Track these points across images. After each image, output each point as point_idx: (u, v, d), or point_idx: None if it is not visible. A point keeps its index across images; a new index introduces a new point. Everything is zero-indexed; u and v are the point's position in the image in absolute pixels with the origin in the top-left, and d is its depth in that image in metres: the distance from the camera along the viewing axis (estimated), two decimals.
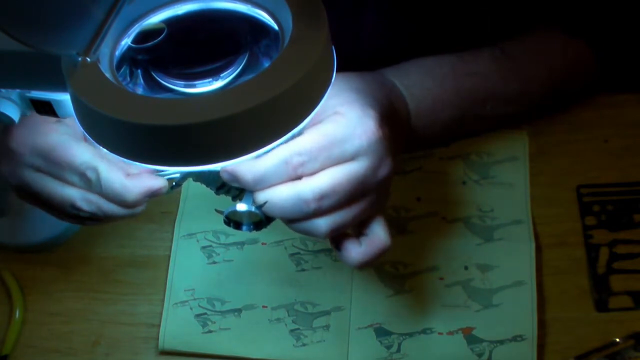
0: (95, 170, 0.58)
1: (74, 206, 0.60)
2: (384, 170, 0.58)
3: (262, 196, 0.55)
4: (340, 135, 0.56)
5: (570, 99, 0.88)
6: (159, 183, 0.58)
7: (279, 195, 0.55)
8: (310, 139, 0.55)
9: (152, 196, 0.59)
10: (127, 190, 0.58)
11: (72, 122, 0.56)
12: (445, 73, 0.75)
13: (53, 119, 0.57)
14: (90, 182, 0.59)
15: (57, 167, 0.60)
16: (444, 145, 0.86)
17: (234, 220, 0.58)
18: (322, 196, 0.55)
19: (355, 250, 0.61)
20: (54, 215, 0.64)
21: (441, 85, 0.74)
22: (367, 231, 0.62)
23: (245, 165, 0.55)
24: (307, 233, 0.59)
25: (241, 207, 0.56)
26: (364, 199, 0.59)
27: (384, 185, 0.60)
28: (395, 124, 0.64)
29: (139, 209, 0.60)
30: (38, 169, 0.61)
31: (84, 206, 0.60)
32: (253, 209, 0.56)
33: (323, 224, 0.57)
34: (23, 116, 0.55)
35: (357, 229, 0.62)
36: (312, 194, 0.55)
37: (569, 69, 0.82)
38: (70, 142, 0.59)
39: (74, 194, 0.60)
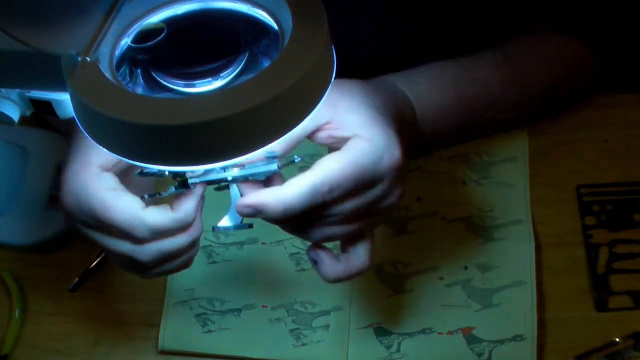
0: (141, 226, 0.58)
1: (134, 260, 0.60)
2: (393, 198, 0.60)
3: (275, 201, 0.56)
4: (370, 167, 0.57)
5: (571, 100, 0.88)
6: (200, 190, 0.59)
7: (292, 196, 0.56)
8: (341, 169, 0.56)
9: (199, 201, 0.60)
10: (188, 214, 0.58)
11: (110, 165, 0.59)
12: (449, 83, 0.76)
13: (95, 164, 0.59)
14: (140, 239, 0.59)
15: (105, 227, 0.60)
16: (443, 149, 0.86)
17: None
18: (330, 188, 0.56)
19: (333, 267, 0.61)
20: (119, 264, 0.64)
21: (445, 95, 0.75)
22: (351, 250, 0.62)
23: (272, 196, 0.55)
24: (299, 236, 0.61)
25: (224, 223, 0.59)
26: (364, 220, 0.60)
27: (387, 211, 0.61)
28: (405, 135, 0.64)
29: (196, 228, 0.60)
30: (91, 227, 0.61)
31: (143, 258, 0.60)
32: (239, 222, 0.58)
33: (319, 234, 0.59)
34: (71, 153, 0.56)
35: (343, 244, 0.63)
36: (322, 184, 0.56)
37: (570, 70, 0.83)
38: (109, 199, 0.59)
39: (129, 249, 0.60)
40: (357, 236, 0.61)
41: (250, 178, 0.57)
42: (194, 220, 0.59)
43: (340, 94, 0.59)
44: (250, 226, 0.59)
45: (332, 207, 0.57)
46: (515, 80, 0.79)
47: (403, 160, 0.59)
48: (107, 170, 0.61)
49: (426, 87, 0.74)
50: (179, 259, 0.62)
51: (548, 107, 0.86)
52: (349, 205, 0.57)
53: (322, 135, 0.59)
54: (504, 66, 0.78)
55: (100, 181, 0.60)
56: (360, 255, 0.61)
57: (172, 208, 0.59)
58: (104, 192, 0.59)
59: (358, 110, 0.59)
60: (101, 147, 0.48)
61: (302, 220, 0.58)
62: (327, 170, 0.55)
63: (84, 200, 0.60)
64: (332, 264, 0.61)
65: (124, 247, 0.60)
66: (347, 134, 0.58)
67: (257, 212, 0.56)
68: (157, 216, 0.58)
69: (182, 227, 0.59)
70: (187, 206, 0.58)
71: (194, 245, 0.62)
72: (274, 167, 0.56)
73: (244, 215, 0.58)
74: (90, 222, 0.60)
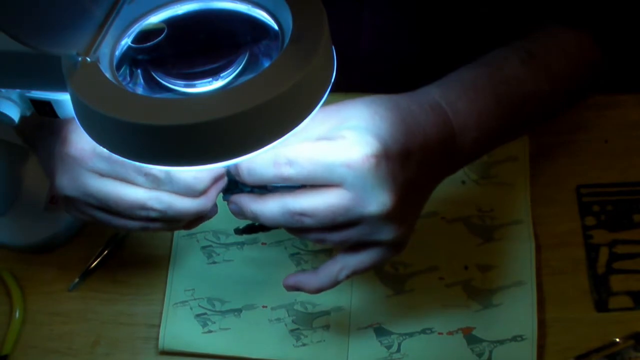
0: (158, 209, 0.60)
1: (144, 207, 0.60)
2: (373, 206, 0.57)
3: (253, 206, 0.59)
4: (331, 157, 0.56)
5: (582, 98, 0.87)
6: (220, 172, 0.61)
7: (267, 206, 0.58)
8: (304, 148, 0.56)
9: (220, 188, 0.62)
10: (198, 179, 0.60)
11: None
12: (483, 84, 0.71)
13: (87, 150, 0.59)
14: (158, 180, 0.59)
15: (122, 168, 0.60)
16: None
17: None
18: (302, 213, 0.57)
19: (310, 281, 0.64)
20: (117, 224, 0.63)
21: (482, 97, 0.70)
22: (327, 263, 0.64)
23: (242, 163, 0.57)
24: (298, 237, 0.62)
25: None
26: (350, 229, 0.59)
27: (378, 223, 0.58)
28: (426, 156, 0.61)
29: (211, 206, 0.62)
30: (102, 174, 0.60)
31: (155, 205, 0.60)
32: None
33: (311, 237, 0.61)
34: (66, 120, 0.55)
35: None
36: (293, 208, 0.57)
37: (584, 65, 0.81)
38: (114, 182, 0.60)
39: (143, 195, 0.60)
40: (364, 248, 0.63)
41: None
42: (206, 191, 0.61)
43: (343, 117, 0.58)
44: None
45: (299, 201, 0.58)
46: (543, 74, 0.77)
47: (375, 161, 0.56)
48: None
49: (462, 95, 0.69)
50: (182, 219, 0.63)
51: (570, 102, 0.84)
52: (311, 203, 0.57)
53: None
54: (530, 61, 0.76)
55: (99, 166, 0.61)
56: (329, 271, 0.64)
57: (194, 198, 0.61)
58: (107, 179, 0.61)
59: (359, 116, 0.58)
60: (101, 147, 0.48)
61: (288, 224, 0.60)
62: (291, 145, 0.56)
63: (89, 190, 0.61)
64: (306, 278, 0.65)
65: (137, 193, 0.60)
66: (335, 132, 0.58)
67: (235, 171, 0.58)
68: (177, 200, 0.60)
69: (195, 187, 0.60)
70: (207, 176, 0.60)
71: (199, 216, 0.63)
72: None
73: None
74: (104, 167, 0.60)
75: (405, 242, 0.63)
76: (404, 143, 0.58)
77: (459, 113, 0.66)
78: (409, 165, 0.59)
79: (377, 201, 0.57)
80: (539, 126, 0.86)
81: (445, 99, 0.66)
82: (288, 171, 0.56)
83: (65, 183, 0.62)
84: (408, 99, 0.62)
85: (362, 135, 0.56)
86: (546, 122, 0.85)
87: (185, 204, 0.60)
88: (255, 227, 0.67)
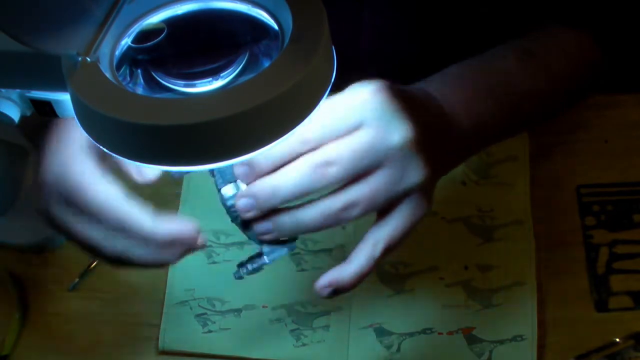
0: (116, 211, 0.58)
1: (98, 247, 0.60)
2: (395, 136, 0.56)
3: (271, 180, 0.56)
4: (344, 103, 0.56)
5: (582, 98, 0.87)
6: (189, 229, 0.58)
7: (287, 173, 0.56)
8: (315, 118, 0.53)
9: (184, 244, 0.59)
10: (157, 228, 0.57)
11: (92, 146, 0.58)
12: (477, 78, 0.72)
13: (77, 142, 0.58)
14: (113, 225, 0.58)
15: (78, 205, 0.59)
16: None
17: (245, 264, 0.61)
18: (326, 162, 0.55)
19: (342, 273, 0.59)
20: (87, 252, 0.62)
21: (476, 90, 0.70)
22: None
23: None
24: (327, 219, 0.58)
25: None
26: (377, 174, 0.57)
27: (404, 156, 0.57)
28: (422, 106, 0.61)
29: (174, 259, 0.60)
30: (64, 204, 0.60)
31: (108, 248, 0.59)
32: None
33: (341, 200, 0.57)
34: (49, 135, 0.55)
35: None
36: (317, 160, 0.55)
37: (583, 64, 0.81)
38: (89, 178, 0.59)
39: (97, 235, 0.59)
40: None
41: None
42: (164, 243, 0.59)
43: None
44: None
45: (322, 151, 0.56)
46: (542, 72, 0.77)
47: (386, 95, 0.56)
48: (89, 148, 0.60)
49: (452, 86, 0.69)
50: (143, 264, 0.61)
51: (570, 101, 0.84)
52: (335, 150, 0.56)
53: None
54: (528, 59, 0.76)
55: (82, 160, 0.60)
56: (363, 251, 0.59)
57: (154, 218, 0.58)
58: (84, 167, 0.59)
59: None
60: (102, 147, 0.48)
61: (312, 185, 0.57)
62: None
63: (63, 173, 0.60)
64: (339, 271, 0.59)
65: (93, 232, 0.59)
66: None
67: (248, 170, 0.57)
68: (134, 212, 0.58)
69: (152, 235, 0.58)
70: (168, 230, 0.58)
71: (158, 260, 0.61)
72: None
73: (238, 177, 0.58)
74: (64, 199, 0.60)
75: (432, 190, 0.61)
76: (409, 96, 0.59)
77: (450, 103, 0.66)
78: (419, 109, 0.59)
79: (399, 130, 0.56)
80: (539, 125, 0.86)
81: (436, 90, 0.67)
82: (309, 140, 0.55)
83: (40, 206, 0.61)
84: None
85: (367, 82, 0.57)
86: (546, 122, 0.85)
87: (140, 252, 0.59)
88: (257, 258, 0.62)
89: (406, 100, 0.58)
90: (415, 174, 0.58)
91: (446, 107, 0.65)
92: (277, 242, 0.60)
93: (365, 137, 0.56)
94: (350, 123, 0.56)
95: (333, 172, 0.56)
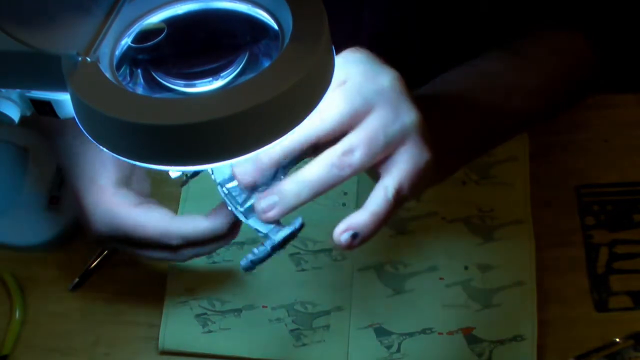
0: (176, 237, 0.66)
1: (166, 234, 0.66)
2: (406, 117, 0.57)
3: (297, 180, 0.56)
4: (353, 91, 0.57)
5: (577, 99, 0.87)
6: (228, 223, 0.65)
7: (311, 172, 0.56)
8: (324, 109, 0.55)
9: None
10: (214, 223, 0.64)
11: (118, 181, 0.67)
12: (454, 79, 0.73)
13: (107, 186, 0.65)
14: (175, 247, 0.66)
15: (141, 243, 0.66)
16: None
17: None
18: (348, 150, 0.56)
19: (358, 218, 0.57)
20: (147, 255, 0.70)
21: (458, 89, 0.72)
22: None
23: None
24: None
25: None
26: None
27: (414, 137, 0.57)
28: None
29: (227, 223, 0.65)
30: (127, 244, 0.68)
31: (180, 259, 0.69)
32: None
33: (337, 148, 0.56)
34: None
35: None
36: (338, 151, 0.56)
37: (575, 65, 0.81)
38: (140, 216, 0.66)
39: (166, 256, 0.68)
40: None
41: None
42: (229, 230, 0.65)
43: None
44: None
45: (339, 145, 0.56)
46: (532, 71, 0.77)
47: (391, 77, 0.58)
48: (119, 185, 0.67)
49: (428, 86, 0.71)
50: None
51: (563, 102, 0.84)
52: (355, 139, 0.56)
53: None
54: (511, 58, 0.77)
55: (122, 200, 0.66)
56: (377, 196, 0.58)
57: (207, 217, 0.65)
58: (131, 210, 0.66)
59: (345, 67, 0.59)
60: (101, 147, 0.48)
61: (336, 179, 0.57)
62: (318, 127, 0.56)
63: (115, 224, 0.66)
64: (355, 216, 0.58)
65: (162, 255, 0.67)
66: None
67: (271, 207, 0.57)
68: (191, 225, 0.65)
69: (216, 236, 0.65)
70: (222, 218, 0.64)
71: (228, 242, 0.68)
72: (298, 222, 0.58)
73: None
74: (125, 241, 0.66)
75: (429, 140, 0.60)
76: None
77: (433, 100, 0.68)
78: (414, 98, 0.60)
79: (408, 111, 0.57)
80: (533, 127, 0.86)
81: (418, 92, 0.68)
82: (324, 136, 0.56)
83: (99, 232, 0.67)
84: None
85: (370, 66, 0.58)
86: (543, 123, 0.85)
87: (212, 247, 0.67)
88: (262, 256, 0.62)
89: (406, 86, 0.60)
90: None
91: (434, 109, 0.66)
92: (280, 225, 0.59)
93: (379, 118, 0.56)
94: (363, 105, 0.56)
95: (354, 158, 0.56)
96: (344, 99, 0.56)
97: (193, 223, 0.65)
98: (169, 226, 0.65)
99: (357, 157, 0.56)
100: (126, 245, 0.68)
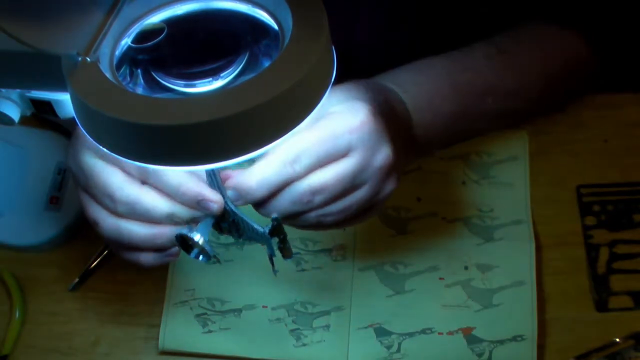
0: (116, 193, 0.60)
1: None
2: (379, 159, 0.60)
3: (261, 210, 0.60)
4: (331, 131, 0.59)
5: (571, 98, 0.88)
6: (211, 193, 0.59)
7: (276, 201, 0.59)
8: (305, 137, 0.58)
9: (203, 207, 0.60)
10: (183, 185, 0.59)
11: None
12: (437, 71, 0.76)
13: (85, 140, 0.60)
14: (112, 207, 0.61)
15: (91, 190, 0.62)
16: (450, 145, 0.85)
17: (185, 243, 0.60)
18: (313, 192, 0.59)
19: None
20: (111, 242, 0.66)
21: (434, 82, 0.75)
22: None
23: (245, 177, 0.58)
24: (299, 226, 0.62)
25: (197, 238, 0.59)
26: (355, 193, 0.61)
27: (382, 173, 0.61)
28: (393, 119, 0.65)
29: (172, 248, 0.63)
30: (83, 189, 0.63)
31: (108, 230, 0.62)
32: (206, 245, 0.59)
33: (311, 217, 0.61)
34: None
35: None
36: (303, 190, 0.59)
37: (567, 64, 0.82)
38: (96, 164, 0.61)
39: (108, 219, 0.62)
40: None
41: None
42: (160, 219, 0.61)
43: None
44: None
45: (309, 182, 0.59)
46: (509, 68, 0.78)
47: (373, 122, 0.60)
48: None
49: (412, 78, 0.73)
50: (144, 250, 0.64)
51: (549, 103, 0.85)
52: (323, 180, 0.59)
53: None
54: (495, 56, 0.78)
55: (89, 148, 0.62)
56: None
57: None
58: (91, 158, 0.62)
59: (332, 98, 0.60)
60: (101, 147, 0.48)
61: (299, 209, 0.60)
62: (291, 142, 0.58)
63: (77, 163, 0.62)
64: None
65: (101, 214, 0.62)
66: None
67: (239, 195, 0.59)
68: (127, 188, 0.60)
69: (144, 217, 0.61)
70: (194, 189, 0.60)
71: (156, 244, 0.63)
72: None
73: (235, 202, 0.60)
74: (82, 183, 0.63)
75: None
76: (383, 101, 0.64)
77: (407, 94, 0.71)
78: (392, 119, 0.63)
79: (382, 154, 0.60)
80: (522, 122, 0.87)
81: (392, 83, 0.71)
82: (300, 165, 0.58)
83: (69, 166, 0.64)
84: (362, 81, 0.67)
85: (350, 103, 0.60)
86: (533, 119, 0.86)
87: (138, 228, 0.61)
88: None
89: (388, 119, 0.62)
90: (391, 186, 0.63)
91: (408, 102, 0.71)
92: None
93: (351, 165, 0.60)
94: (339, 148, 0.59)
95: (318, 199, 0.59)
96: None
97: (132, 186, 0.61)
98: (117, 182, 0.61)
99: (318, 200, 0.60)
100: (83, 191, 0.64)
